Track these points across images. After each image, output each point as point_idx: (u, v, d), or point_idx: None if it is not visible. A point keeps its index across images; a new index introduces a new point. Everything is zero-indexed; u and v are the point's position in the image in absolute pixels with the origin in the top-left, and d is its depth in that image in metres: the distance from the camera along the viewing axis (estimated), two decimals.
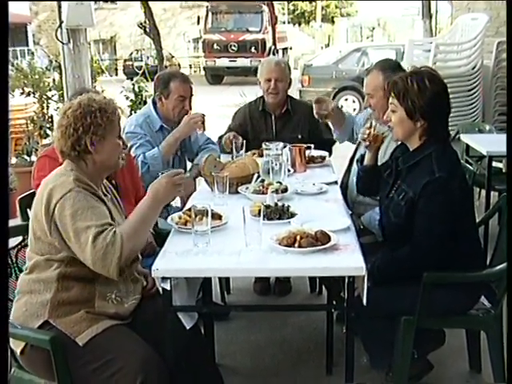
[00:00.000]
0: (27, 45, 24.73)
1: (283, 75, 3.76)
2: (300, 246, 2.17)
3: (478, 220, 2.71)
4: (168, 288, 2.10)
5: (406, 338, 2.41)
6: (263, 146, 3.33)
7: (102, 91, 4.79)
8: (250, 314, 3.48)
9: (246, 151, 3.51)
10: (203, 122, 3.45)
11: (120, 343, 2.03)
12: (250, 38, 21.32)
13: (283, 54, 23.45)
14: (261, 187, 2.84)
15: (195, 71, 26.18)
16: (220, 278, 3.52)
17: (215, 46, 21.35)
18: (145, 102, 6.25)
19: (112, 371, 1.98)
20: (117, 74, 22.71)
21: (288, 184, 2.90)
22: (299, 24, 37.19)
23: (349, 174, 3.41)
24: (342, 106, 11.67)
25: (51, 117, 6.15)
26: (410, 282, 2.31)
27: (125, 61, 23.81)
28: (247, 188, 2.90)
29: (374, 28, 36.52)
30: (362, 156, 2.89)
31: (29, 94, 6.31)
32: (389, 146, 2.94)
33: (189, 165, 3.80)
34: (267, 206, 2.51)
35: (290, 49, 26.07)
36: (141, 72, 9.47)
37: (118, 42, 28.51)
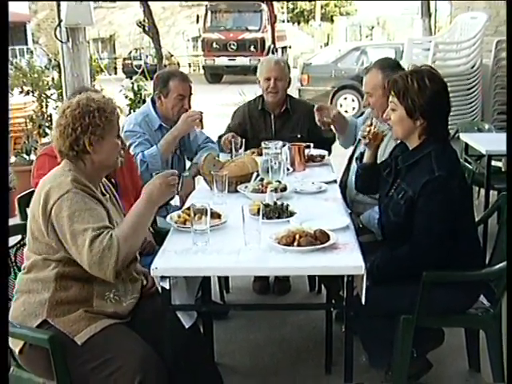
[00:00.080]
0: (26, 43, 24.64)
1: (282, 74, 3.76)
2: (299, 245, 2.16)
3: (477, 219, 2.71)
4: (167, 287, 2.10)
5: (405, 336, 2.41)
6: (262, 144, 3.32)
7: (101, 90, 4.78)
8: (249, 313, 3.48)
9: (246, 150, 3.51)
10: (201, 120, 3.45)
11: (119, 342, 2.03)
12: (250, 37, 21.28)
13: (282, 52, 23.40)
14: (260, 186, 2.84)
15: (194, 70, 26.13)
16: (219, 277, 3.52)
17: (214, 45, 21.31)
18: (144, 101, 6.23)
19: (111, 370, 1.98)
20: (116, 73, 22.72)
21: (287, 183, 2.90)
22: (298, 23, 37.13)
23: (348, 173, 3.40)
24: (340, 105, 11.74)
25: (50, 115, 6.14)
26: (410, 280, 2.31)
27: (124, 59, 23.75)
28: (246, 187, 2.89)
29: (373, 27, 36.43)
30: (362, 154, 2.88)
31: (28, 93, 6.31)
32: (388, 145, 2.93)
33: (188, 164, 3.80)
34: (266, 205, 2.50)
35: (290, 48, 26.00)
36: (140, 71, 9.45)
37: (117, 40, 28.44)
